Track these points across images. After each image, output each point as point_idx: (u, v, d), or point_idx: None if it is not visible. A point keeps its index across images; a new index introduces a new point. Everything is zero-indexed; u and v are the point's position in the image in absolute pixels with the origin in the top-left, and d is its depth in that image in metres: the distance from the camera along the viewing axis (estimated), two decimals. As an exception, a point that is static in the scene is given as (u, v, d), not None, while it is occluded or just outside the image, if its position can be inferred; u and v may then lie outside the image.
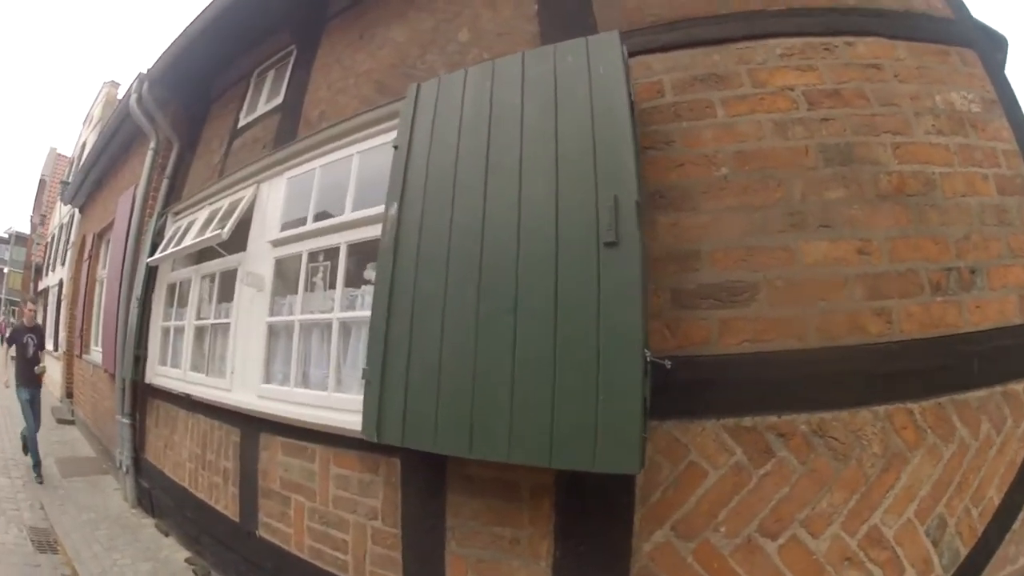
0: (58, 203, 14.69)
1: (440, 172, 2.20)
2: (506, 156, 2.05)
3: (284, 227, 3.32)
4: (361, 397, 2.26)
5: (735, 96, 2.08)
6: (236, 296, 3.61)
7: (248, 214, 3.63)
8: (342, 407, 2.63)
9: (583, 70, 2.05)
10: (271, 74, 4.21)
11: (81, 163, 8.76)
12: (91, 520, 4.29)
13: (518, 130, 2.07)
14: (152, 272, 4.79)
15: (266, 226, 3.45)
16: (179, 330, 4.46)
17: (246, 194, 3.70)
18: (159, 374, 4.54)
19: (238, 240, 3.65)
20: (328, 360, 2.89)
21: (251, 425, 3.19)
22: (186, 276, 4.45)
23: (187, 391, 3.91)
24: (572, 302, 1.79)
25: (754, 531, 1.77)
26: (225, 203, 3.92)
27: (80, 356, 7.83)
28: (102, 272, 7.48)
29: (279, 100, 3.85)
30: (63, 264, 11.37)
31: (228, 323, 3.65)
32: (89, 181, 8.30)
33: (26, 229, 25.34)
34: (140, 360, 4.70)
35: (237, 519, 3.24)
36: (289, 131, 3.53)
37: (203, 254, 4.16)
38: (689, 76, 2.11)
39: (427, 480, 2.22)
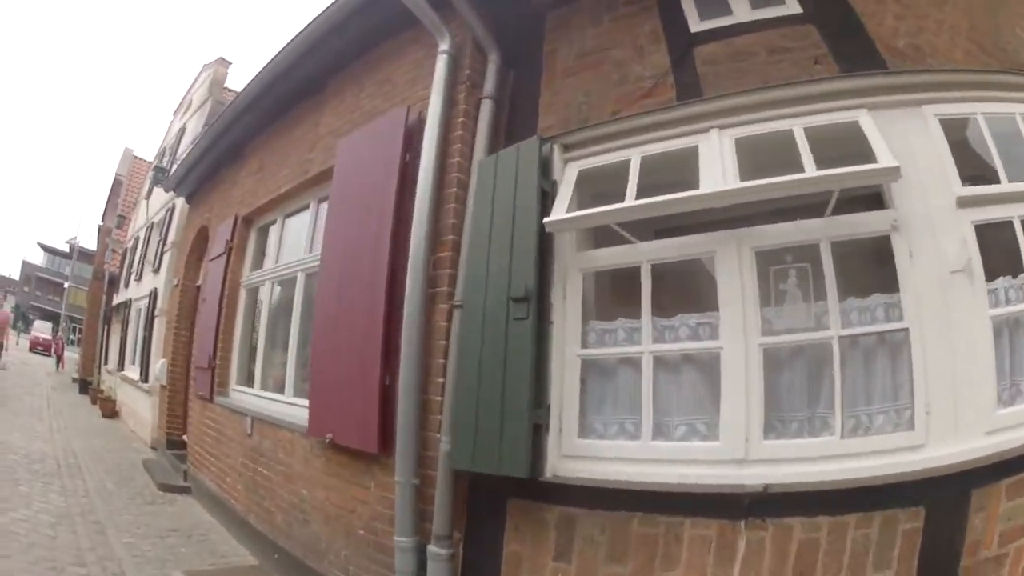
0: (142, 203, 12.86)
1: None
2: None
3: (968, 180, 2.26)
4: None
5: None
6: (912, 287, 2.19)
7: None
8: None
9: None
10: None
11: (216, 122, 6.39)
12: None
13: None
14: (544, 252, 2.59)
15: (926, 176, 2.26)
16: (668, 363, 2.44)
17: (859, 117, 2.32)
18: (600, 455, 2.42)
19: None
20: None
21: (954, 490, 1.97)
22: (654, 255, 2.50)
23: (755, 481, 2.13)
24: None
25: None
26: (821, 119, 2.39)
27: (210, 399, 5.33)
28: (252, 273, 5.36)
29: (790, 10, 2.76)
30: (156, 271, 9.45)
31: (900, 330, 2.20)
32: (220, 148, 6.19)
33: (90, 244, 23.48)
34: (541, 432, 2.43)
35: None
36: (855, 55, 2.50)
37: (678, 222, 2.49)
38: None
39: None
